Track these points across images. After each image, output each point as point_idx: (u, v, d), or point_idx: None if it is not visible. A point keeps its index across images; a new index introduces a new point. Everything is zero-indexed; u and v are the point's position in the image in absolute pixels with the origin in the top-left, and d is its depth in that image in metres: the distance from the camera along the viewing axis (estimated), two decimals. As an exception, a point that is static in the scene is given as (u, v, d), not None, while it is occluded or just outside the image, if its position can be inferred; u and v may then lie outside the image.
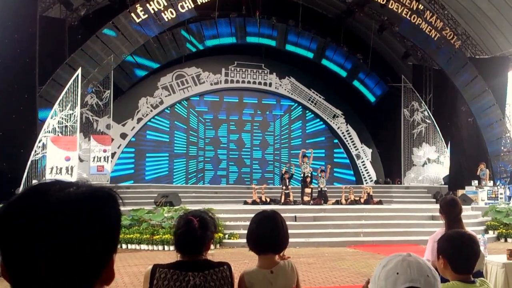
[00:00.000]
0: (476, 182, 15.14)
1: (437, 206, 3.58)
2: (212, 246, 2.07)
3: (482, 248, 3.64)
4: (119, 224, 0.74)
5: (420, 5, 16.19)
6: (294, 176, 15.15)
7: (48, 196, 0.67)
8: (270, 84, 19.93)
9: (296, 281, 2.19)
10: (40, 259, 0.64)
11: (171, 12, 14.28)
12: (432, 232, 3.62)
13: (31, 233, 0.65)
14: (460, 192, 14.88)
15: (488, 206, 12.89)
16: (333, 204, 14.08)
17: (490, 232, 11.50)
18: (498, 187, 14.99)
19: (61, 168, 12.48)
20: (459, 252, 1.98)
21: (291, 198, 13.93)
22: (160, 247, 10.02)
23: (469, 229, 3.45)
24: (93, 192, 0.71)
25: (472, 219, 11.65)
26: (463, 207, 3.49)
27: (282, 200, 13.82)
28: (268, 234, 2.11)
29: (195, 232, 1.91)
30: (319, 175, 14.83)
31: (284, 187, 14.12)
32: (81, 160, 14.65)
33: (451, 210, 3.30)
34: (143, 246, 10.16)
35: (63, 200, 0.67)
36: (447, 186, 16.88)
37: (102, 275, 0.71)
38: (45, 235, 0.65)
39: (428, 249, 3.27)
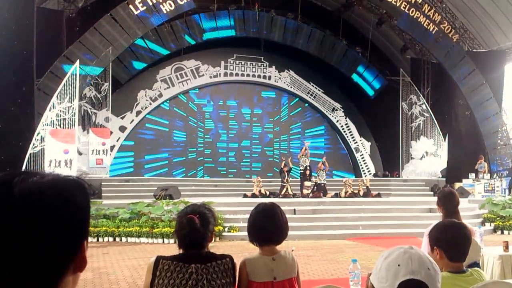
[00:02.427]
0: (473, 175, 15.23)
1: (435, 198, 3.62)
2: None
3: (478, 240, 3.68)
4: (87, 211, 0.73)
5: (419, -1, 16.17)
6: (293, 168, 15.19)
7: (11, 186, 0.66)
8: (270, 77, 19.89)
9: (296, 271, 2.23)
10: (7, 249, 0.64)
11: (169, 4, 14.20)
12: (429, 224, 3.66)
13: None
14: (457, 184, 14.97)
15: (485, 199, 12.97)
16: (332, 197, 14.15)
17: (487, 224, 11.57)
18: (495, 179, 15.08)
19: (59, 161, 12.48)
20: (453, 240, 2.00)
21: (290, 191, 13.98)
22: (160, 240, 10.03)
23: (466, 222, 3.50)
24: (58, 181, 0.71)
25: (469, 212, 11.74)
26: (460, 199, 3.52)
27: (282, 193, 13.89)
28: (268, 226, 2.15)
29: (197, 231, 1.93)
30: (319, 167, 14.90)
31: (283, 180, 14.17)
32: (79, 153, 14.63)
33: (448, 203, 3.33)
34: (143, 239, 10.16)
35: (27, 189, 0.67)
36: (444, 179, 16.97)
37: (74, 262, 0.71)
38: (9, 226, 0.65)
39: (424, 243, 3.31)
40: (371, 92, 20.29)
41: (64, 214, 0.69)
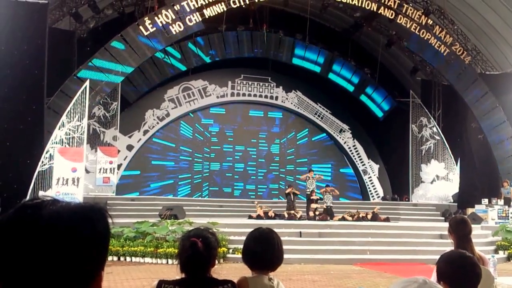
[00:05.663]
0: (486, 200, 14.78)
1: (446, 224, 3.45)
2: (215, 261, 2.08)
3: (491, 269, 3.48)
4: (108, 240, 0.76)
5: (429, 20, 16.13)
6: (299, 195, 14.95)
7: (41, 209, 0.70)
8: (277, 98, 19.91)
9: None
10: (30, 272, 0.67)
11: (179, 25, 14.38)
12: (440, 251, 3.47)
13: (21, 245, 0.68)
14: (469, 210, 14.56)
15: (499, 226, 12.56)
16: (339, 220, 13.85)
17: (500, 252, 11.16)
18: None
19: (67, 179, 12.46)
20: (460, 275, 1.87)
21: (296, 214, 13.74)
22: (164, 261, 9.89)
23: (478, 249, 3.30)
24: (84, 207, 0.75)
25: (481, 239, 11.35)
26: (473, 226, 3.34)
27: (287, 215, 13.65)
28: (263, 252, 2.11)
29: (200, 255, 1.91)
30: (326, 190, 14.68)
31: (289, 202, 13.95)
32: (87, 171, 14.64)
33: (460, 230, 3.16)
34: (147, 259, 10.05)
35: (56, 212, 0.70)
36: (456, 204, 16.55)
37: None
38: (35, 247, 0.67)
39: (434, 272, 3.12)
40: (380, 114, 20.13)
41: (88, 238, 0.72)
